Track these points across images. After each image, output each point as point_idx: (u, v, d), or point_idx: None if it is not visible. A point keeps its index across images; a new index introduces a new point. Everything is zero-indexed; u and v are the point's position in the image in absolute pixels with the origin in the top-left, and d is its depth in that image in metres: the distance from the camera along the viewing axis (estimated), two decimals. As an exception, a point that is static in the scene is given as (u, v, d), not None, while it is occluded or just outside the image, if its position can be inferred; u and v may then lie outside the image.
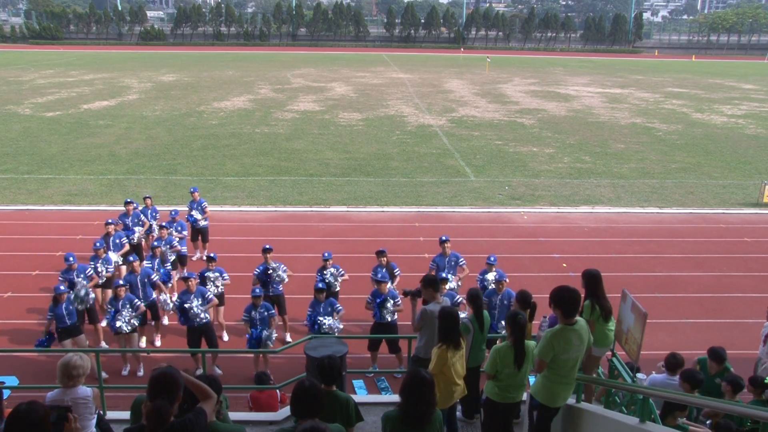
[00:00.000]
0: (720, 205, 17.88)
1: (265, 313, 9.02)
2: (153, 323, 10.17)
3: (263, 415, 7.52)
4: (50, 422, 3.64)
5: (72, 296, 9.01)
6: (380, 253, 10.05)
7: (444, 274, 9.72)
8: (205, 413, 3.98)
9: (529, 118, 31.82)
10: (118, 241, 11.42)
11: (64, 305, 8.85)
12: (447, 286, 9.27)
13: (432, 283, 6.96)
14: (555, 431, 6.11)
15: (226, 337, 10.23)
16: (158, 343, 10.09)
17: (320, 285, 9.21)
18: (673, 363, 6.84)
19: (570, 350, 5.44)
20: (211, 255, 10.15)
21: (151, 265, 10.36)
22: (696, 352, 7.58)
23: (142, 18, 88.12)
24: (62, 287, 9.03)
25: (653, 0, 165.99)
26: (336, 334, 8.63)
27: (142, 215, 12.51)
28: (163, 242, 11.13)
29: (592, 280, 6.67)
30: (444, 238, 10.35)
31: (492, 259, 10.02)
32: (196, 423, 3.88)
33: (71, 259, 9.84)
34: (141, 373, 9.10)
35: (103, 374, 8.91)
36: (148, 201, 12.93)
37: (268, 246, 10.22)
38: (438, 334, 6.04)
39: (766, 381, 6.52)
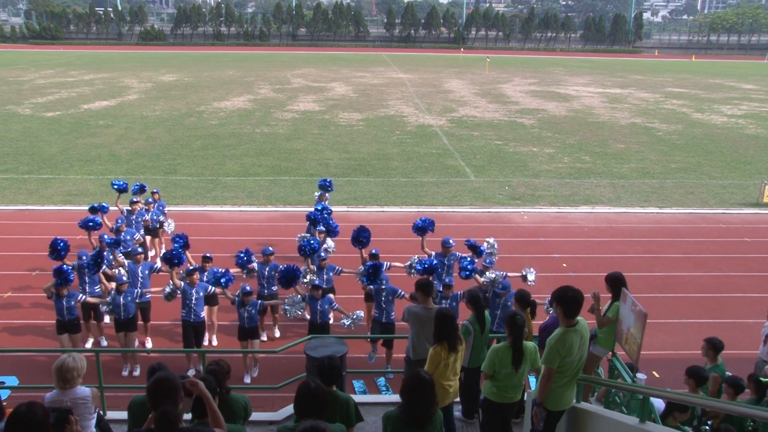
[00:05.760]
0: (720, 205, 17.88)
1: (253, 312, 9.02)
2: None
3: (263, 415, 7.53)
4: (50, 423, 3.64)
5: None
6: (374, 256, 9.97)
7: (447, 280, 9.57)
8: None
9: (529, 118, 31.82)
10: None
11: (65, 300, 8.85)
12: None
13: (422, 288, 6.94)
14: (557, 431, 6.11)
15: (215, 342, 10.07)
16: (149, 344, 10.01)
17: (316, 282, 9.20)
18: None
19: (573, 351, 5.43)
20: (208, 255, 10.06)
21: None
22: (696, 353, 7.56)
23: (142, 18, 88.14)
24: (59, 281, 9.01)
25: (653, 0, 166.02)
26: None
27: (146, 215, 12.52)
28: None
29: (617, 282, 6.93)
30: (452, 243, 10.26)
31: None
32: None
33: (84, 257, 9.71)
34: (137, 373, 9.10)
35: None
36: (156, 196, 13.14)
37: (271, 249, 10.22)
38: (434, 334, 6.05)
39: (761, 379, 6.50)
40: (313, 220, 11.25)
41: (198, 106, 33.35)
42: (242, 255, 9.89)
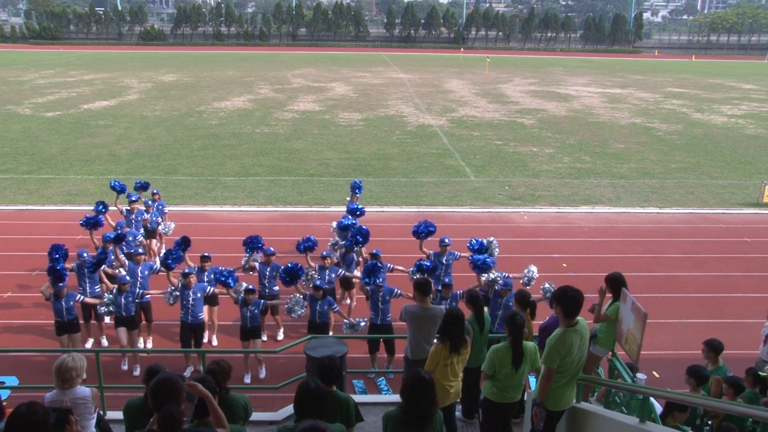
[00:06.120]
0: (720, 205, 17.87)
1: (256, 311, 9.00)
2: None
3: (263, 415, 7.53)
4: (50, 423, 3.64)
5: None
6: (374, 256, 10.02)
7: (447, 280, 9.54)
8: None
9: (529, 118, 31.82)
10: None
11: (63, 301, 8.82)
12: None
13: (419, 287, 6.94)
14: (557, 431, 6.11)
15: (215, 342, 10.04)
16: (149, 344, 10.01)
17: (318, 282, 9.20)
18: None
19: (573, 351, 5.44)
20: (206, 254, 10.03)
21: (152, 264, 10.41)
22: (696, 353, 7.56)
23: (142, 18, 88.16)
24: (60, 284, 8.98)
25: (653, 0, 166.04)
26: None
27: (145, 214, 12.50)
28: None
29: (617, 282, 6.91)
30: (447, 241, 10.30)
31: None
32: None
33: (85, 255, 9.70)
34: (137, 373, 9.09)
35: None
36: (156, 196, 13.12)
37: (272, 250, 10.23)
38: (439, 331, 6.08)
39: (760, 374, 6.50)
40: (345, 226, 11.27)
41: (198, 106, 33.36)
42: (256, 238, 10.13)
